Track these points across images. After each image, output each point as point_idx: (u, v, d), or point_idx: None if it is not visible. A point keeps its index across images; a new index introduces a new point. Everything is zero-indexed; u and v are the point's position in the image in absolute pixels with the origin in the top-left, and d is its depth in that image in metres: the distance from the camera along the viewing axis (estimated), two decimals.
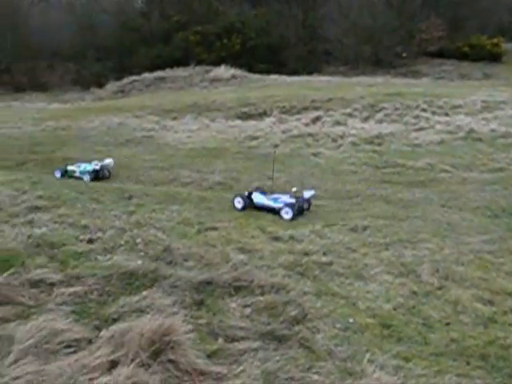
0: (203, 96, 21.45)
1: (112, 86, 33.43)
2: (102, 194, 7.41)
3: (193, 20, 37.14)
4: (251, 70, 30.53)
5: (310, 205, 7.83)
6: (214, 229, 6.10)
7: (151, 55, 36.51)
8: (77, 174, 10.11)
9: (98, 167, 10.01)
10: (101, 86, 34.65)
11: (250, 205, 7.59)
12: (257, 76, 29.06)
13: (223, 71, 30.13)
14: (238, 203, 7.53)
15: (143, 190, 7.84)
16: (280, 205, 7.41)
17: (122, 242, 5.39)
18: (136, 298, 4.14)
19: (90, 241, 5.48)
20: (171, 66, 33.56)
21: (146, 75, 33.15)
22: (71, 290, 4.32)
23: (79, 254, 5.03)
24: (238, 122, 15.10)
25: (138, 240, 5.43)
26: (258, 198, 7.67)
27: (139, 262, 4.85)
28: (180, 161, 10.60)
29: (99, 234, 5.66)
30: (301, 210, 7.54)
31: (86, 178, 9.85)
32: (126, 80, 33.39)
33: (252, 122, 14.84)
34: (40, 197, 7.02)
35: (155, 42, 37.28)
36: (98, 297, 4.30)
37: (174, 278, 4.51)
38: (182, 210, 6.72)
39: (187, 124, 14.76)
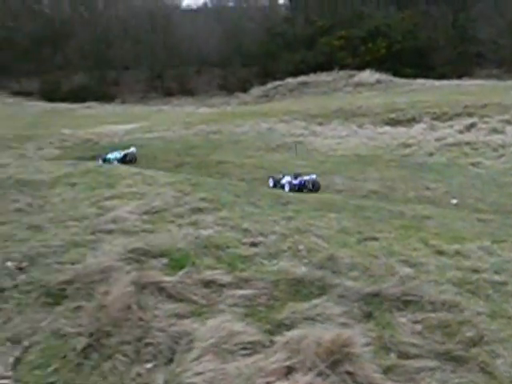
0: (348, 101, 21.31)
1: (256, 90, 34.37)
2: (258, 199, 7.58)
3: (337, 24, 37.16)
4: (396, 74, 29.81)
5: (316, 187, 10.25)
6: (375, 239, 5.98)
7: (295, 60, 37.07)
8: (110, 160, 13.42)
9: (121, 155, 13.59)
10: (245, 90, 35.79)
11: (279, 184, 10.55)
12: (403, 80, 28.28)
13: (368, 76, 29.75)
14: (271, 182, 10.72)
15: (298, 196, 7.92)
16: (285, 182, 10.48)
17: (285, 248, 5.44)
18: (305, 305, 4.16)
19: (254, 244, 5.60)
20: (314, 71, 33.80)
21: (290, 80, 33.67)
22: (241, 292, 4.44)
23: (245, 257, 5.16)
24: (387, 128, 14.79)
25: (301, 247, 5.46)
26: (283, 179, 10.58)
27: (303, 268, 4.88)
28: (332, 167, 10.60)
29: (261, 239, 5.76)
30: (301, 187, 10.22)
31: (115, 162, 13.14)
32: (269, 85, 34.18)
33: (402, 129, 14.46)
34: (202, 199, 7.31)
35: (299, 47, 37.84)
36: (267, 301, 4.38)
37: (341, 288, 4.47)
38: (339, 219, 6.68)
39: (335, 130, 14.73)
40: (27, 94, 45.76)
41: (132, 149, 13.86)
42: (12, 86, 48.26)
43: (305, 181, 10.28)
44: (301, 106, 22.03)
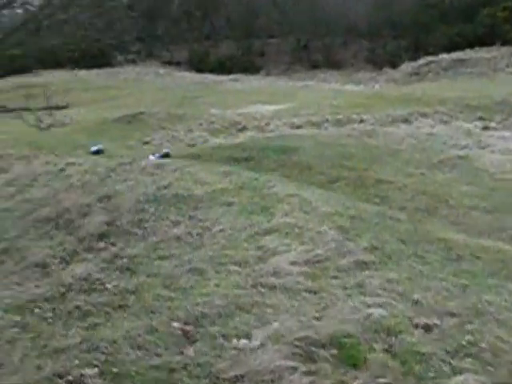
0: None
1: (406, 66, 32.66)
2: (426, 250, 7.02)
3: None
4: None
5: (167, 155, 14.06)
6: None
7: (450, 33, 34.49)
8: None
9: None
10: (394, 65, 34.21)
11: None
12: None
13: None
14: (152, 156, 13.75)
15: (470, 246, 7.19)
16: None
17: (464, 343, 4.93)
18: None
19: (427, 328, 5.15)
20: (471, 46, 31.23)
21: (444, 56, 31.44)
22: None
23: (422, 355, 4.73)
24: None
25: (482, 345, 4.91)
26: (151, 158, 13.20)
27: None
28: (503, 200, 9.38)
29: (435, 320, 5.30)
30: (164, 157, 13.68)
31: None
32: (421, 61, 32.23)
33: None
34: (365, 248, 6.93)
35: (456, 18, 35.12)
36: None
37: None
38: None
39: (503, 138, 13.26)
40: (176, 64, 47.82)
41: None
42: (163, 55, 50.61)
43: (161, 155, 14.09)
44: (457, 92, 20.51)
